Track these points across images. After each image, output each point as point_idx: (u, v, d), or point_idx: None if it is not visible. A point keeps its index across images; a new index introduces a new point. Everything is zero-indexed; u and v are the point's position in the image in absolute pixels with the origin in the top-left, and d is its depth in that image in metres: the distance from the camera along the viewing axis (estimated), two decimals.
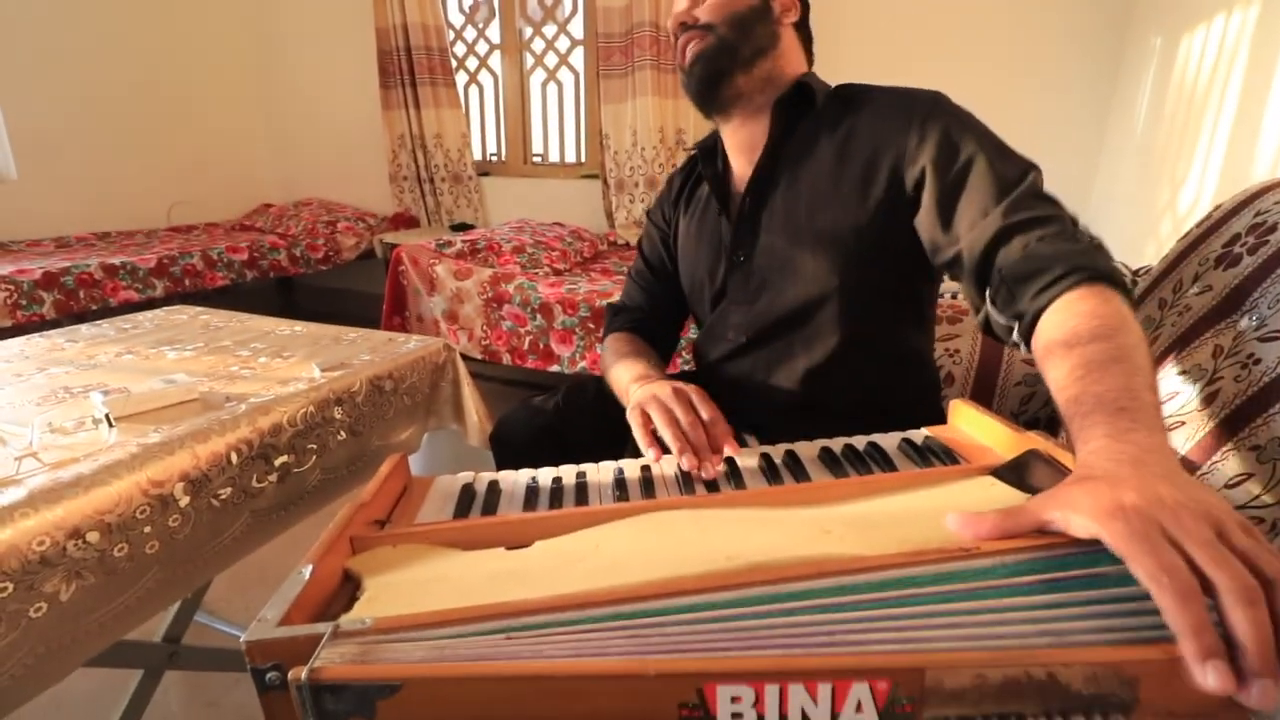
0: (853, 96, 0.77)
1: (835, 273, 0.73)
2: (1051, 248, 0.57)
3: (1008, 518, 0.37)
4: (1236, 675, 0.27)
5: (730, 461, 0.60)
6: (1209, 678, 0.27)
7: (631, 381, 0.76)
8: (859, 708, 0.29)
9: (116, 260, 2.28)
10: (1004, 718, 0.29)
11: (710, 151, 0.85)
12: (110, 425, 0.69)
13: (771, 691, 0.29)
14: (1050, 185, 0.66)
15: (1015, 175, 0.63)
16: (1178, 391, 0.62)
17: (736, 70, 0.75)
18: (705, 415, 0.63)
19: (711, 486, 0.56)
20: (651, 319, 0.95)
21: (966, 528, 0.37)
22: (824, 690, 0.29)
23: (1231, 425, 0.53)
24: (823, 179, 0.74)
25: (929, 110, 0.69)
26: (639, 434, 0.64)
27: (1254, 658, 0.27)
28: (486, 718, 0.31)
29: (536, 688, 0.30)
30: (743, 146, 0.81)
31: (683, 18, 0.76)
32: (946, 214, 0.66)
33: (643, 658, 0.31)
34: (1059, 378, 0.48)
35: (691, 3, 0.76)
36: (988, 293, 0.63)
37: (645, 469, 0.60)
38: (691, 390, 0.67)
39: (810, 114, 0.77)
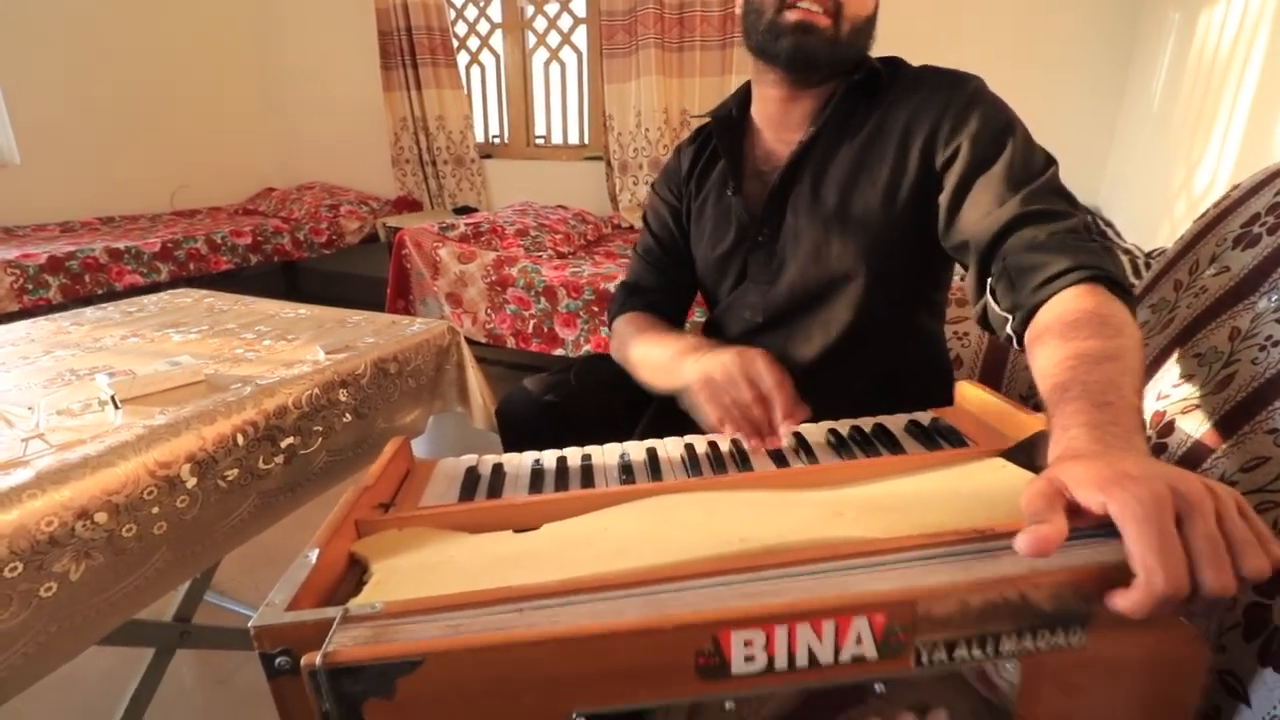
0: (892, 73, 0.74)
1: (860, 255, 0.72)
2: (1059, 243, 0.57)
3: (1052, 517, 0.32)
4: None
5: (736, 444, 0.59)
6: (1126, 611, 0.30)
7: (681, 355, 0.69)
8: (859, 640, 0.31)
9: (121, 244, 2.27)
10: (983, 638, 0.32)
11: (726, 121, 0.81)
12: (116, 407, 0.69)
13: (781, 633, 0.31)
14: (1064, 164, 0.65)
15: (1037, 168, 0.63)
16: (1193, 374, 0.61)
17: (828, 67, 0.71)
18: (767, 383, 0.58)
19: (719, 468, 0.56)
20: (667, 299, 0.90)
21: (1036, 548, 0.32)
22: (828, 627, 0.31)
23: (1248, 408, 0.52)
24: (854, 159, 0.72)
25: (971, 94, 0.68)
26: (710, 411, 0.59)
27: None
28: (508, 683, 0.31)
29: (557, 649, 0.30)
30: (780, 121, 0.77)
31: None
32: (965, 197, 0.65)
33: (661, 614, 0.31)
34: (1048, 365, 0.47)
35: None
36: (989, 281, 0.62)
37: (650, 450, 0.59)
38: (758, 356, 0.60)
39: (868, 97, 0.73)
